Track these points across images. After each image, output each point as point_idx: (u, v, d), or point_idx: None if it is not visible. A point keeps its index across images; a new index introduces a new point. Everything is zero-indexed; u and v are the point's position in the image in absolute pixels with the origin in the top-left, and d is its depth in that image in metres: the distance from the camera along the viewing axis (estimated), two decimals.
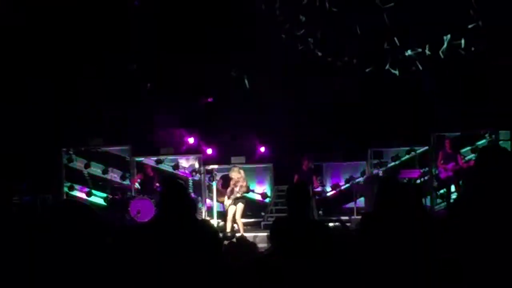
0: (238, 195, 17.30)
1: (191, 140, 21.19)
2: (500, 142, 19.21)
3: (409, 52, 20.40)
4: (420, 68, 20.32)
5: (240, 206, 17.40)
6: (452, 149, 18.95)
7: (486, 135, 19.84)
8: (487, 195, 4.74)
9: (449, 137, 19.31)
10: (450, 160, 18.74)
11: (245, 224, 18.48)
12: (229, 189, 17.70)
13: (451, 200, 18.58)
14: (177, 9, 20.43)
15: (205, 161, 20.52)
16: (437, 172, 19.39)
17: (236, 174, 17.63)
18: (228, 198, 17.51)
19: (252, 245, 12.97)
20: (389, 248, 5.51)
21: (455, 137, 19.74)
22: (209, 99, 21.48)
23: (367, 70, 20.52)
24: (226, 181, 18.47)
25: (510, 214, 4.63)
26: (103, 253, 2.92)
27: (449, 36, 20.01)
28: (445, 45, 20.08)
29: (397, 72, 20.61)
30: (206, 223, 6.47)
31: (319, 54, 20.64)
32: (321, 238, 6.20)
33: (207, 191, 20.24)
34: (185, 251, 5.69)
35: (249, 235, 15.26)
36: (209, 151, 21.05)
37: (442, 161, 18.88)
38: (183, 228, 5.80)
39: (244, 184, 17.54)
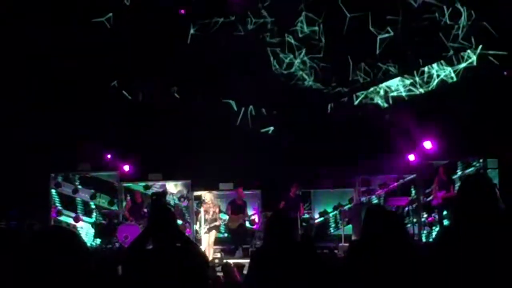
0: (217, 223, 17.62)
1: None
2: (488, 170, 19.26)
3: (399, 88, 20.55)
4: (406, 98, 20.51)
5: (214, 233, 17.66)
6: (447, 177, 18.93)
7: (474, 163, 19.87)
8: (470, 225, 4.77)
9: (444, 165, 19.34)
10: (443, 188, 18.72)
11: (232, 250, 18.65)
12: (199, 215, 18.04)
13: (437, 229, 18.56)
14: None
15: (193, 187, 20.47)
16: (430, 198, 19.42)
17: (208, 198, 18.00)
18: (200, 224, 17.87)
19: (234, 272, 13.02)
20: (375, 276, 5.52)
21: (449, 164, 19.80)
22: None
23: (355, 103, 20.64)
24: (233, 207, 18.72)
25: (492, 244, 4.65)
26: (89, 279, 2.93)
27: (443, 68, 20.21)
28: (436, 80, 20.26)
29: (384, 103, 20.75)
30: (197, 248, 6.46)
31: (307, 80, 20.75)
32: (309, 260, 6.20)
33: (195, 217, 20.21)
34: (176, 274, 5.70)
35: (234, 262, 15.21)
36: None
37: (437, 188, 18.89)
38: (172, 250, 5.81)
39: (217, 210, 17.85)
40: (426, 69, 20.40)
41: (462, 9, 19.65)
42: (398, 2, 19.73)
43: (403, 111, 20.20)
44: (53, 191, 20.45)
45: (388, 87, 20.72)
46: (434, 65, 20.35)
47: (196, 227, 19.16)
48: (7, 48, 19.19)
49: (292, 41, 20.67)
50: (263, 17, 20.45)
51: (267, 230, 6.57)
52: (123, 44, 19.94)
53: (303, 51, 20.68)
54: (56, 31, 19.31)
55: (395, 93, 20.69)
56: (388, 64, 20.40)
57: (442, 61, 20.22)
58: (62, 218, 20.45)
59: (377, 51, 20.06)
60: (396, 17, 19.77)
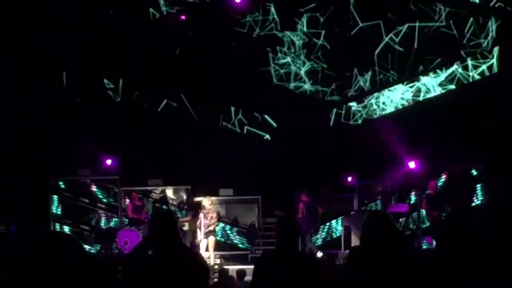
0: (211, 228, 17.51)
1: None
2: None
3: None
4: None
5: (212, 239, 17.55)
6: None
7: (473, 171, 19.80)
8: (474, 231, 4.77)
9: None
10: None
11: (232, 256, 18.62)
12: (198, 221, 17.85)
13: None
14: None
15: (193, 193, 20.36)
16: None
17: (207, 203, 17.85)
18: (199, 229, 17.70)
19: (232, 277, 13.01)
20: (375, 283, 5.50)
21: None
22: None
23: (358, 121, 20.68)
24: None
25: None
26: (88, 285, 2.91)
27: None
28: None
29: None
30: (197, 255, 6.43)
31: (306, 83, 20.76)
32: (309, 272, 6.17)
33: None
34: (176, 282, 5.67)
35: (235, 268, 15.16)
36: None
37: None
38: (173, 257, 5.78)
39: (215, 215, 17.74)
40: (432, 88, 20.36)
41: (489, 24, 19.52)
42: (414, 11, 19.69)
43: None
44: (54, 196, 20.36)
45: (390, 97, 20.71)
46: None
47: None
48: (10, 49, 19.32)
49: (295, 39, 20.62)
50: (267, 13, 20.43)
51: (280, 234, 6.39)
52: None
53: (303, 52, 20.66)
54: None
55: (395, 104, 20.68)
56: (392, 73, 20.36)
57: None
58: (62, 223, 20.35)
59: (381, 58, 20.05)
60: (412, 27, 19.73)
